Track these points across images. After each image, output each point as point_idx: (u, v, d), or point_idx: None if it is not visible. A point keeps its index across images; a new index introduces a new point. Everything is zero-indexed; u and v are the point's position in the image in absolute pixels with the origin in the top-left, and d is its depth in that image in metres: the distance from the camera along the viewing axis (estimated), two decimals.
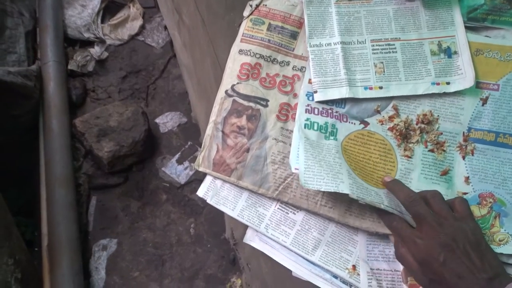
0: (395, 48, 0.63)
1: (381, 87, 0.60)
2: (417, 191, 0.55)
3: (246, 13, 0.67)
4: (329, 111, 0.60)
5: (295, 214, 0.58)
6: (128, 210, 1.40)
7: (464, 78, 0.59)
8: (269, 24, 0.66)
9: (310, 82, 0.62)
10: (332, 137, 0.59)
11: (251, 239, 0.60)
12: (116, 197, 1.42)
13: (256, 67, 0.64)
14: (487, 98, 0.60)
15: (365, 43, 0.63)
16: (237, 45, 0.66)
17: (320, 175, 0.54)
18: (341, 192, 0.51)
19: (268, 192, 0.58)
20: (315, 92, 0.60)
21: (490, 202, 0.56)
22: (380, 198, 0.53)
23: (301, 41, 0.66)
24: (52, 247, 1.21)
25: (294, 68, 0.65)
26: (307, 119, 0.59)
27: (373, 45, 0.63)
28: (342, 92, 0.59)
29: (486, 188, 0.57)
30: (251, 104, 0.62)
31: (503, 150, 0.58)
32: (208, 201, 0.61)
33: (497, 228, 0.54)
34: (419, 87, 0.60)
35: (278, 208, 0.59)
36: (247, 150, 0.60)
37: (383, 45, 0.63)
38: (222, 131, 0.62)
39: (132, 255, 1.33)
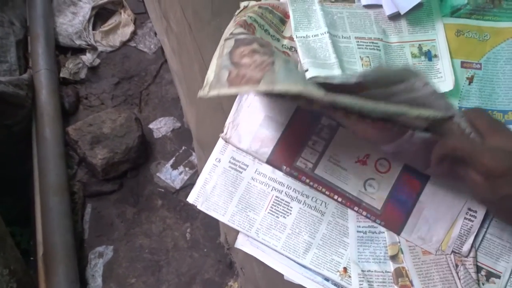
0: (378, 46, 0.63)
1: None
2: None
3: (236, 12, 0.66)
4: None
5: (285, 218, 0.59)
6: (123, 216, 1.40)
7: (443, 82, 0.60)
8: (259, 6, 0.65)
9: None
10: None
11: (243, 244, 0.61)
12: (111, 204, 1.42)
13: (251, 26, 0.60)
14: (472, 77, 0.61)
15: (350, 38, 0.64)
16: (228, 29, 0.60)
17: None
18: None
19: (319, 94, 0.41)
20: (307, 70, 0.59)
21: None
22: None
23: (289, 27, 0.66)
24: (48, 256, 1.21)
25: (283, 46, 0.64)
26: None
27: (358, 42, 0.63)
28: (334, 73, 0.59)
29: None
30: (257, 37, 0.57)
31: None
32: (199, 207, 0.62)
33: None
34: None
35: (268, 212, 0.59)
36: (272, 63, 0.45)
37: (367, 42, 0.63)
38: (231, 61, 0.48)
39: (129, 261, 1.32)
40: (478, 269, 0.54)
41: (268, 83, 0.42)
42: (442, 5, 0.64)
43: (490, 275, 0.54)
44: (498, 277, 0.54)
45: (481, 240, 0.55)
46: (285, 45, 0.64)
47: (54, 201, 1.27)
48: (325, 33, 0.63)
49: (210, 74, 0.49)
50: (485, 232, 0.55)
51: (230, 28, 0.58)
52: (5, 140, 1.35)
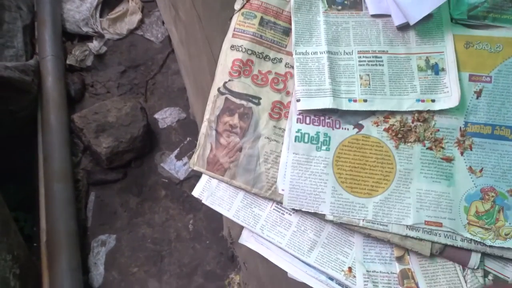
0: (382, 61, 0.61)
1: (365, 100, 0.59)
2: (417, 190, 0.55)
3: (237, 6, 0.66)
4: (321, 118, 0.59)
5: (291, 215, 0.58)
6: (127, 206, 1.40)
7: (449, 97, 0.58)
8: (261, 18, 0.65)
9: None
10: (324, 147, 0.58)
11: (247, 240, 0.60)
12: (115, 193, 1.42)
13: (248, 63, 0.63)
14: (481, 90, 0.59)
15: (352, 54, 0.62)
16: (228, 40, 0.65)
17: (303, 195, 0.56)
18: (320, 212, 0.55)
19: (261, 192, 0.58)
20: (298, 100, 0.59)
21: (493, 196, 0.55)
22: (365, 211, 0.54)
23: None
24: (51, 243, 1.21)
25: (286, 66, 0.64)
26: (298, 131, 0.59)
27: (360, 57, 0.62)
28: (325, 102, 0.58)
29: (487, 182, 0.56)
30: (243, 102, 0.62)
31: (500, 143, 0.58)
32: (204, 201, 0.61)
33: (502, 222, 0.54)
34: (403, 103, 0.59)
35: (274, 209, 0.59)
36: (240, 149, 0.60)
37: (370, 57, 0.62)
38: (216, 130, 0.61)
39: (131, 251, 1.33)
40: (486, 274, 0.53)
41: (229, 176, 0.60)
42: (459, 3, 0.62)
43: (497, 279, 0.53)
44: (506, 282, 0.53)
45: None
46: (288, 63, 0.64)
47: (58, 188, 1.27)
48: (324, 52, 0.62)
49: (201, 136, 0.63)
50: None
51: (225, 68, 0.64)
52: (10, 126, 1.35)
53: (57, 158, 1.32)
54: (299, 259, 0.56)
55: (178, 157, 1.47)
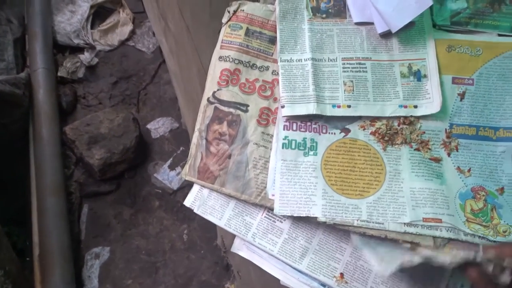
0: (365, 67, 0.63)
1: (349, 106, 0.60)
2: (411, 189, 0.55)
3: (224, 19, 0.68)
4: (308, 123, 0.60)
5: (282, 222, 0.58)
6: (120, 217, 1.39)
7: (431, 103, 0.60)
8: (247, 28, 0.66)
9: None
10: (312, 152, 0.58)
11: (239, 248, 0.60)
12: (108, 204, 1.41)
13: (235, 72, 0.64)
14: (464, 93, 0.61)
15: (336, 61, 0.63)
16: (217, 52, 0.66)
17: (293, 200, 0.56)
18: (312, 216, 0.54)
19: (250, 198, 0.58)
20: (283, 107, 0.60)
21: (483, 195, 0.56)
22: (359, 212, 0.54)
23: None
24: (44, 257, 1.20)
25: (273, 73, 0.65)
26: (285, 138, 0.59)
27: (344, 64, 0.63)
28: (309, 108, 0.59)
29: (476, 182, 0.57)
30: (231, 110, 0.62)
31: (485, 143, 0.59)
32: (195, 210, 0.61)
33: (497, 220, 0.54)
34: (386, 109, 0.60)
35: (265, 217, 0.59)
36: (229, 157, 0.60)
37: (354, 63, 0.63)
38: (206, 139, 0.62)
39: (125, 263, 1.32)
40: None
41: (219, 184, 0.60)
42: (442, 9, 0.63)
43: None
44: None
45: None
46: (275, 71, 0.65)
47: (51, 202, 1.27)
48: (308, 59, 0.63)
49: (192, 146, 0.63)
50: None
51: (214, 78, 0.65)
52: (1, 139, 1.34)
53: (49, 170, 1.31)
54: (291, 266, 0.56)
55: (171, 167, 1.47)
